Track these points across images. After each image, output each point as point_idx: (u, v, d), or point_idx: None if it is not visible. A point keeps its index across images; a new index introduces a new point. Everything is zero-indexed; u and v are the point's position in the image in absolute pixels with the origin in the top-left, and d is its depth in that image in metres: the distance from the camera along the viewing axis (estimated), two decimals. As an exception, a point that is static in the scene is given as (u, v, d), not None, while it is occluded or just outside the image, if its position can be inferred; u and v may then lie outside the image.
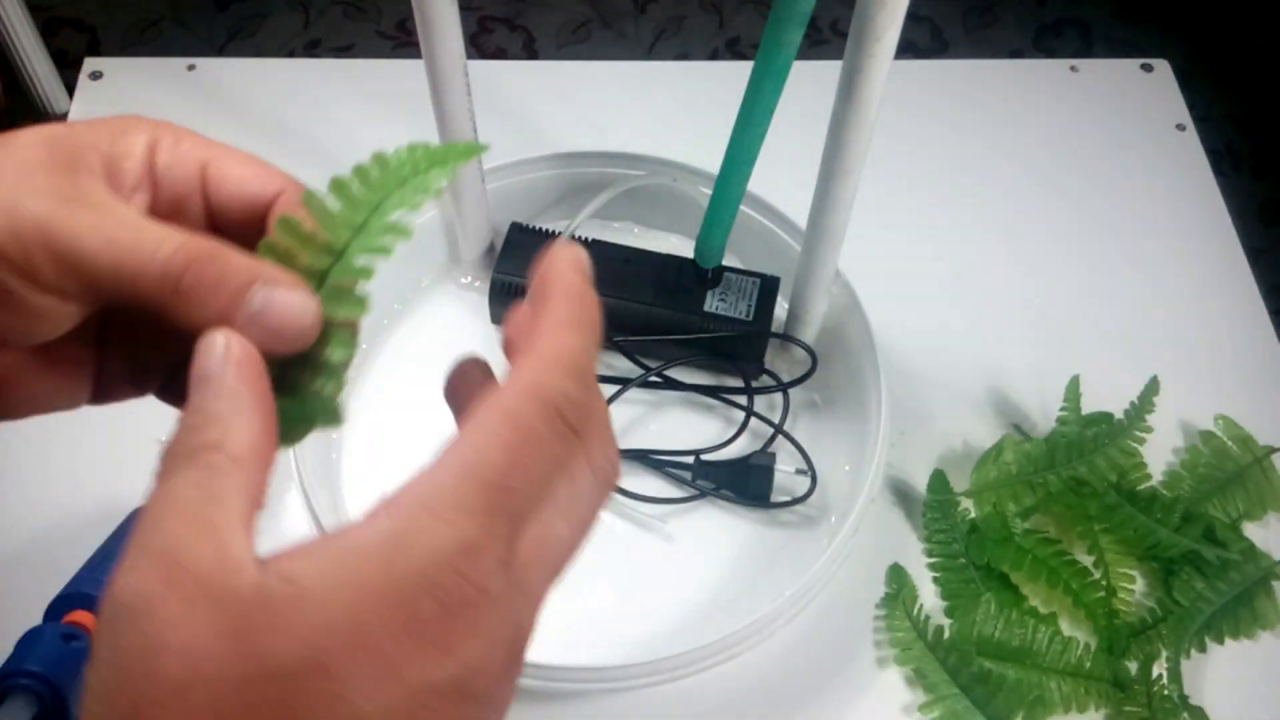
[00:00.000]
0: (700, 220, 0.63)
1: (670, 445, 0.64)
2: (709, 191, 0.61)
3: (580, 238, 0.66)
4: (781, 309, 0.66)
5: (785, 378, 0.65)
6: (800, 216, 0.61)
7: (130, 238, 0.25)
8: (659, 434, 0.66)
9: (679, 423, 0.66)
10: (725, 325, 0.64)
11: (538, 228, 0.67)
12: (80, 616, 0.47)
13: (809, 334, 0.65)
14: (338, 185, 0.29)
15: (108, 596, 0.22)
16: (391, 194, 0.29)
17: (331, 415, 0.28)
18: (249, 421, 0.24)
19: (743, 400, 0.65)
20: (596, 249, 0.66)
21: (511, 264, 0.65)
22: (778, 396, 0.65)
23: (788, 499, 0.61)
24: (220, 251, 0.26)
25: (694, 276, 0.66)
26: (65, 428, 0.64)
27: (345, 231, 0.28)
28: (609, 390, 0.64)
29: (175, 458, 0.23)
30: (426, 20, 0.54)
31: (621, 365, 0.66)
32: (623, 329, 0.65)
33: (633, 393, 0.65)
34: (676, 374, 0.65)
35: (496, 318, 0.66)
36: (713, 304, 0.65)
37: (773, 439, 0.64)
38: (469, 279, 0.69)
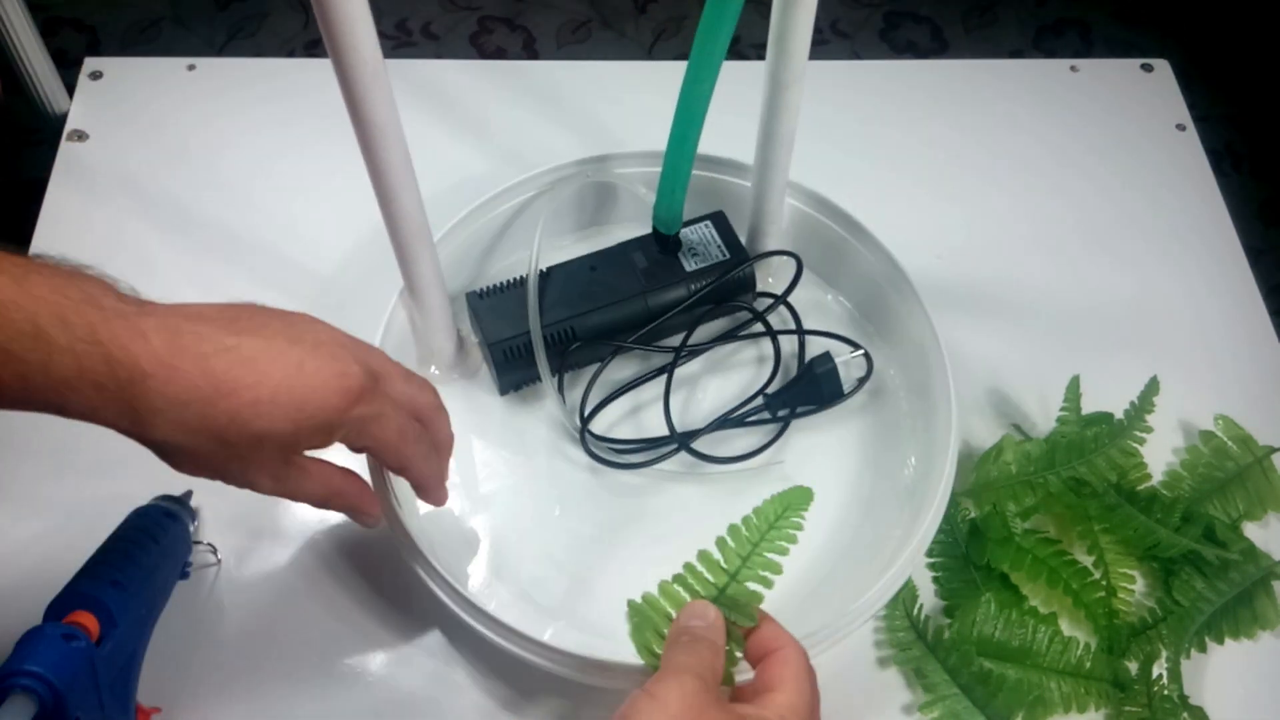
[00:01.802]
0: (638, 199, 0.67)
1: (731, 402, 0.65)
2: (625, 171, 0.66)
3: (542, 271, 0.64)
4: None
5: (779, 290, 0.67)
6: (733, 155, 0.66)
7: (305, 495, 0.50)
8: (716, 398, 0.67)
9: (724, 380, 0.67)
10: (712, 274, 0.65)
11: (493, 287, 0.65)
12: (80, 617, 0.47)
13: (780, 240, 0.67)
14: (730, 531, 0.48)
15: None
16: (764, 538, 0.47)
17: (728, 678, 0.46)
18: (720, 657, 0.45)
19: (761, 329, 0.67)
20: (561, 273, 0.65)
21: (493, 328, 0.63)
22: (787, 309, 0.68)
23: (857, 384, 0.64)
24: (344, 500, 0.52)
25: (661, 247, 0.66)
26: (65, 427, 0.64)
27: (735, 561, 0.47)
28: (657, 385, 0.65)
29: (693, 636, 0.45)
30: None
31: (649, 361, 0.67)
32: (627, 329, 0.65)
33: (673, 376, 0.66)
34: (696, 339, 0.67)
35: (506, 389, 0.65)
36: (690, 263, 0.66)
37: (802, 345, 0.67)
38: (436, 370, 0.66)
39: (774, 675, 0.44)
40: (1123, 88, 0.85)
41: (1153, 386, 0.63)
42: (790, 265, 0.66)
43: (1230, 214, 0.78)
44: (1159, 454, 0.65)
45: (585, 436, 0.63)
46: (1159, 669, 0.57)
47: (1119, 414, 0.63)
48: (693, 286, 0.65)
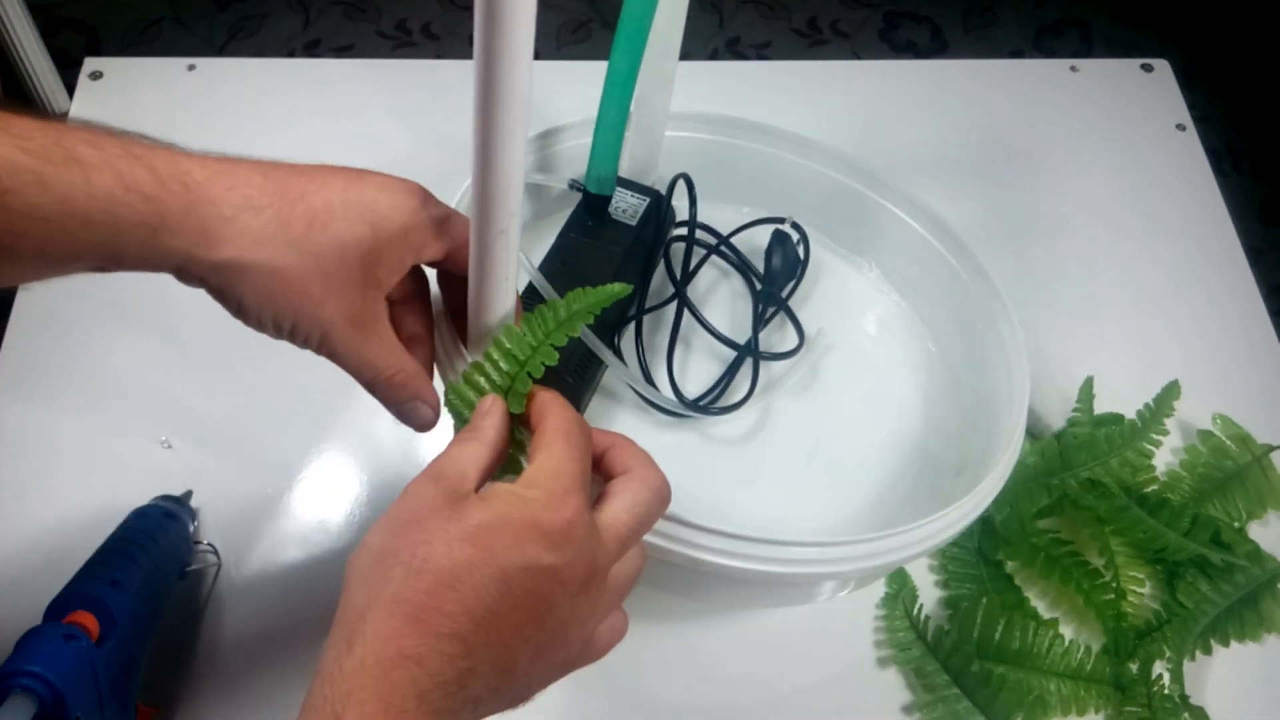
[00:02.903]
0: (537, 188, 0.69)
1: (735, 315, 0.70)
2: (563, 147, 0.67)
3: (525, 301, 0.63)
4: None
5: (680, 214, 0.69)
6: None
7: (373, 359, 0.44)
8: (719, 317, 0.69)
9: (716, 302, 0.71)
10: (652, 218, 0.66)
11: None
12: (80, 617, 0.47)
13: (664, 166, 0.69)
14: (525, 319, 0.45)
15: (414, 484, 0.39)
16: (551, 332, 0.44)
17: (514, 465, 0.43)
18: (499, 431, 0.42)
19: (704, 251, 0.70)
20: (546, 275, 0.63)
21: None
22: (716, 215, 0.71)
23: (801, 247, 0.70)
24: (409, 378, 0.45)
25: (598, 216, 0.66)
26: (65, 427, 0.64)
27: (525, 353, 0.44)
28: (686, 328, 0.67)
29: (466, 431, 0.42)
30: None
31: (663, 318, 0.68)
32: (629, 300, 0.66)
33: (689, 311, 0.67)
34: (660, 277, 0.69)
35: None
36: (627, 219, 0.66)
37: (733, 248, 0.70)
38: None
39: (538, 443, 0.40)
40: (1123, 88, 0.85)
41: (1172, 390, 0.63)
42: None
43: (1230, 214, 0.78)
44: (1159, 454, 0.65)
45: (693, 406, 0.63)
46: (1160, 669, 0.57)
47: (1121, 413, 0.63)
48: (649, 235, 0.66)
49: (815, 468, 0.64)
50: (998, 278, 0.63)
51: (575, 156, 0.68)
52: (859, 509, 0.62)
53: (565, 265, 0.65)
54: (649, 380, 0.65)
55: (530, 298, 0.62)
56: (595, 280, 0.63)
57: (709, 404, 0.64)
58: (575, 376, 0.61)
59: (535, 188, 0.71)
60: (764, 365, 0.66)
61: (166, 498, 0.58)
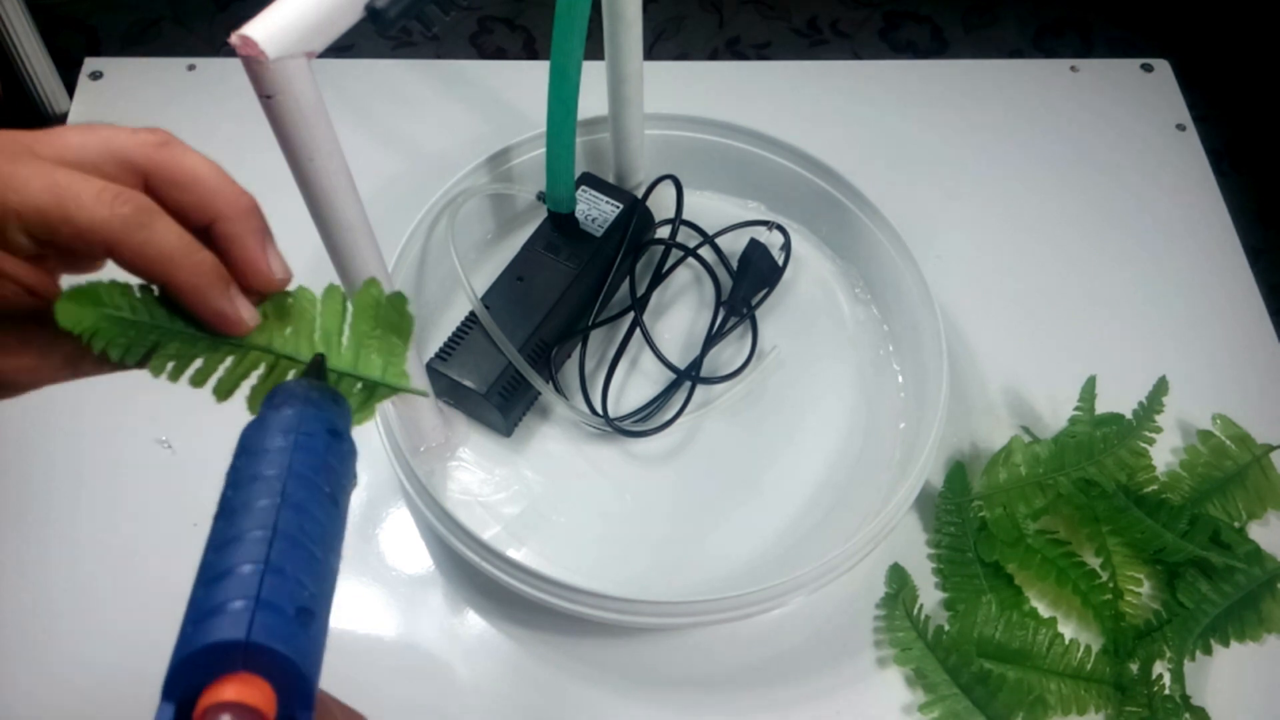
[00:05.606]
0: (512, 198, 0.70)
1: (697, 323, 0.69)
2: (519, 161, 0.68)
3: (486, 304, 0.62)
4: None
5: (669, 213, 0.69)
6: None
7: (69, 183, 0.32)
8: (680, 331, 0.69)
9: (677, 314, 0.70)
10: (620, 229, 0.67)
11: (445, 344, 0.62)
12: (245, 692, 0.25)
13: (647, 169, 0.70)
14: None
15: None
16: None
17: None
18: None
19: (679, 254, 0.70)
20: (498, 298, 0.64)
21: (478, 378, 0.61)
22: (689, 226, 0.71)
23: (784, 254, 0.70)
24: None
25: (565, 227, 0.66)
26: (64, 427, 0.64)
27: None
28: (634, 347, 0.67)
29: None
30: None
31: (616, 330, 0.68)
32: (581, 314, 0.66)
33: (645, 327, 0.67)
34: (640, 290, 0.68)
35: (512, 428, 0.64)
36: (594, 229, 0.67)
37: (717, 248, 0.70)
38: (426, 449, 0.63)
39: None
40: (1123, 88, 0.85)
41: (1161, 386, 0.63)
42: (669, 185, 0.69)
43: (1230, 214, 0.78)
44: (1159, 454, 0.65)
45: (613, 425, 0.63)
46: (1161, 669, 0.57)
47: (1121, 413, 0.63)
48: (611, 247, 0.66)
49: (732, 490, 0.63)
50: (933, 288, 0.63)
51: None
52: (771, 536, 0.62)
53: (519, 282, 0.65)
54: (585, 392, 0.65)
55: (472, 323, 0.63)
56: (545, 298, 0.64)
57: (632, 423, 0.64)
58: (504, 394, 0.61)
59: (502, 198, 0.71)
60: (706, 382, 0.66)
61: (299, 385, 0.35)
